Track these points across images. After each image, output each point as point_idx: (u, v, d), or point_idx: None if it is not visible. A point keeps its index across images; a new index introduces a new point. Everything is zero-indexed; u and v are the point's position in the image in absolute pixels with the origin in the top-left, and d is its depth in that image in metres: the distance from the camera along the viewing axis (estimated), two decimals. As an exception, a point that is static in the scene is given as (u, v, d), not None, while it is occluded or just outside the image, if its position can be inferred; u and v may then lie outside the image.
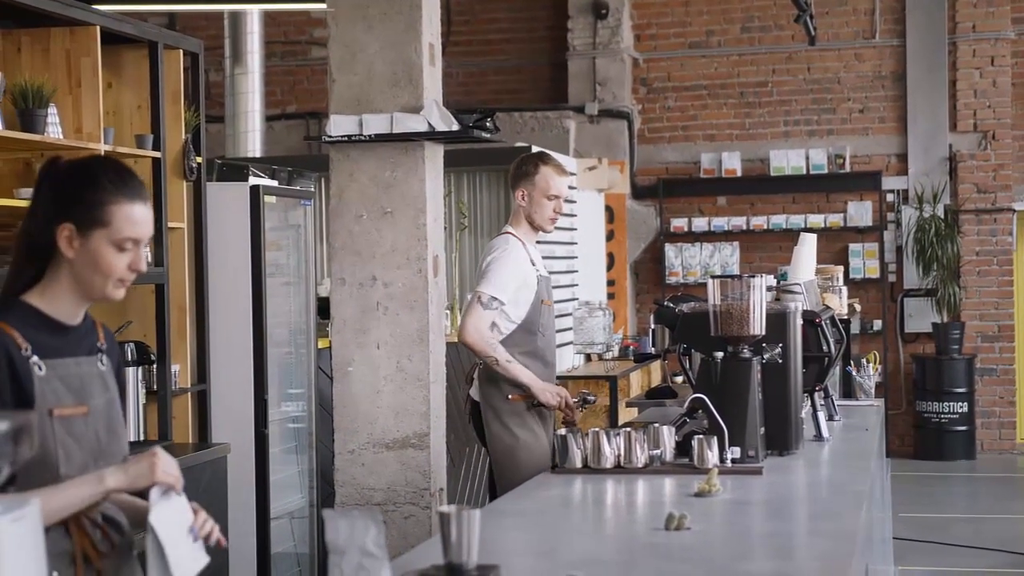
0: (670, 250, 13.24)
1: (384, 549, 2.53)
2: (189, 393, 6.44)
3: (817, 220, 12.85)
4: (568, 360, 9.92)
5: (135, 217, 2.82)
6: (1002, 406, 12.91)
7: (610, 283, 12.54)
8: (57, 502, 2.69)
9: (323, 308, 6.82)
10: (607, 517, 4.00)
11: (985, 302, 12.88)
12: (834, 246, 12.77)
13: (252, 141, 11.40)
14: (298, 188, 7.71)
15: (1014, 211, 12.91)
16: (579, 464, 4.32)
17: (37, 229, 2.83)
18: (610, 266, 12.59)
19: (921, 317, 12.88)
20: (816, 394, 5.16)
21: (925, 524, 9.60)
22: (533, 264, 5.54)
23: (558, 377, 6.07)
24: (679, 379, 8.16)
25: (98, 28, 5.82)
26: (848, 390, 6.65)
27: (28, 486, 2.67)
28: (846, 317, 6.86)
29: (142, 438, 5.90)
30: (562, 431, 4.46)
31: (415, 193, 5.32)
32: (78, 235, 2.79)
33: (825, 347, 5.16)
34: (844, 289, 7.05)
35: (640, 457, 4.28)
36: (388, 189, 5.33)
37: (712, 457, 4.24)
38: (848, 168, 12.98)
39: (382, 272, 5.33)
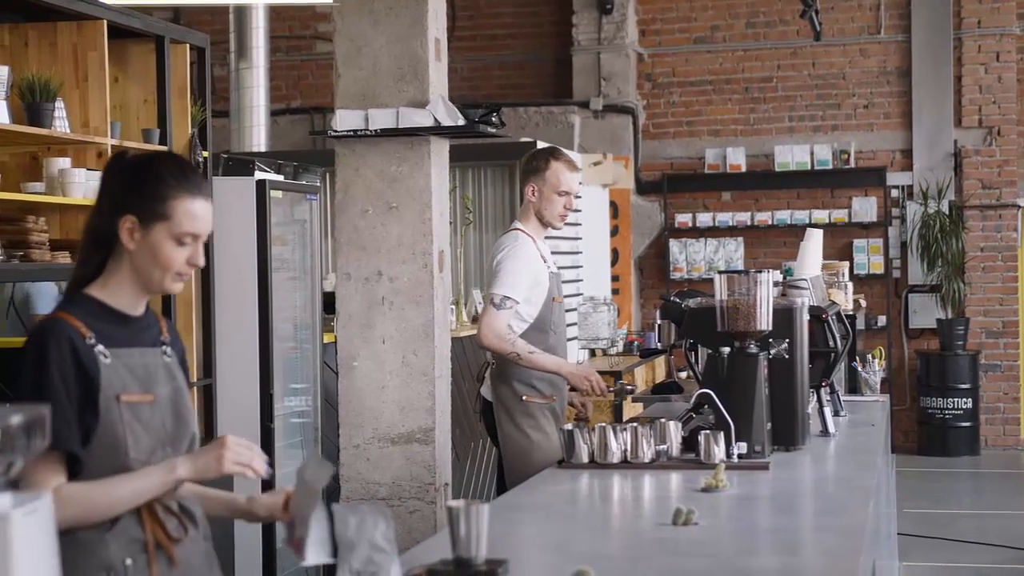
0: (674, 245, 13.23)
1: (393, 543, 2.53)
2: (195, 388, 6.45)
3: (822, 216, 12.84)
4: (573, 355, 9.91)
5: (195, 212, 2.87)
6: (1006, 402, 12.91)
7: (614, 278, 12.53)
8: (130, 489, 2.76)
9: (328, 303, 6.83)
10: (614, 512, 4.00)
11: (990, 298, 12.87)
12: (838, 242, 12.77)
13: (257, 136, 11.39)
14: (304, 183, 7.71)
15: (1019, 207, 12.90)
16: (586, 459, 4.32)
17: (101, 221, 2.88)
18: (614, 261, 12.58)
19: (925, 313, 12.88)
20: (822, 390, 5.15)
21: (929, 520, 9.60)
22: (544, 260, 5.49)
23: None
24: (683, 374, 8.16)
25: (105, 22, 5.82)
26: (853, 386, 6.65)
27: (98, 469, 2.76)
28: (851, 313, 6.86)
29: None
30: (569, 426, 4.46)
31: (421, 188, 5.31)
32: (140, 228, 2.84)
33: (831, 343, 5.15)
34: (850, 285, 7.06)
35: (647, 452, 4.28)
36: (393, 184, 5.33)
37: (719, 452, 4.24)
38: (853, 164, 12.98)
39: (387, 267, 5.33)
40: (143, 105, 6.25)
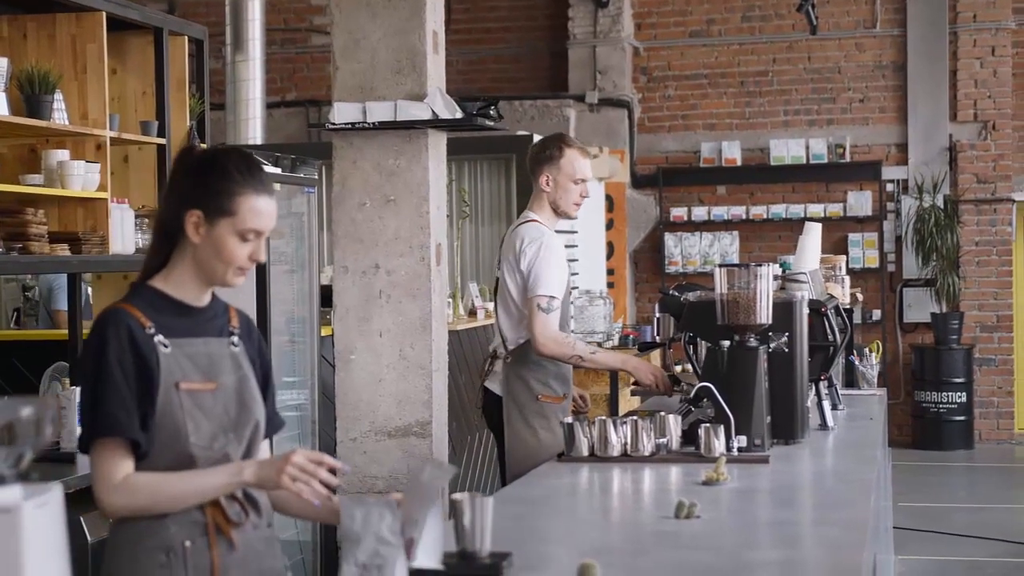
0: (669, 239, 13.23)
1: (399, 537, 2.53)
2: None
3: (817, 210, 12.85)
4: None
5: (260, 208, 2.92)
6: (1000, 396, 12.93)
7: (609, 272, 12.53)
8: (196, 486, 2.83)
9: (326, 296, 6.81)
10: (616, 505, 4.00)
11: (984, 292, 12.89)
12: (834, 236, 12.76)
13: (253, 128, 11.37)
14: (301, 176, 7.69)
15: (1014, 201, 12.91)
16: (586, 452, 4.32)
17: (168, 215, 2.92)
18: (609, 255, 12.59)
19: (920, 307, 12.89)
20: (821, 383, 5.15)
21: (924, 513, 9.61)
22: None
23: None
24: (679, 368, 8.16)
25: (103, 14, 5.81)
26: (850, 379, 6.66)
27: (161, 455, 2.82)
28: (849, 306, 6.87)
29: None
30: (568, 419, 4.46)
31: (418, 181, 5.30)
32: (205, 222, 2.88)
33: (830, 336, 5.16)
34: (847, 279, 7.07)
35: (647, 445, 4.28)
36: (391, 177, 5.31)
37: (719, 446, 4.24)
38: (848, 158, 12.99)
39: (385, 260, 5.32)
40: (141, 97, 6.24)
